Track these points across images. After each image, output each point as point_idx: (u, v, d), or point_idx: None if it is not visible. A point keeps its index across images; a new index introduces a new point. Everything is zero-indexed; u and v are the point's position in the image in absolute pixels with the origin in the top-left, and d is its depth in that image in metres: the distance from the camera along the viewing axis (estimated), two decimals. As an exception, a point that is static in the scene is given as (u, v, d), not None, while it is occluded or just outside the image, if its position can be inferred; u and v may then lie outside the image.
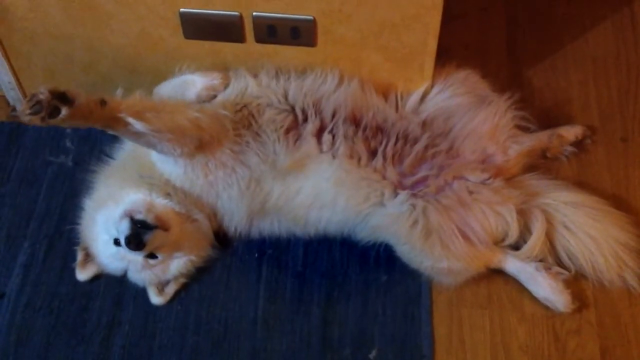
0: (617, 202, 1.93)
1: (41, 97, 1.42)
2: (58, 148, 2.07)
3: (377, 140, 1.79)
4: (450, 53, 1.91)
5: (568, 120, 2.07)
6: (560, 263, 1.85)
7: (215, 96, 1.82)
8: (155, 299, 1.83)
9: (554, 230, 1.84)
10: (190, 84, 1.80)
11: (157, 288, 1.83)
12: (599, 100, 2.15)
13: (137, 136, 1.61)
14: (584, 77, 2.20)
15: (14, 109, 2.07)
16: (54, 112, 1.43)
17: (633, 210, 1.93)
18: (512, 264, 1.83)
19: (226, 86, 1.83)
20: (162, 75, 1.84)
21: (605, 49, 2.25)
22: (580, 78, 2.19)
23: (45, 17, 1.84)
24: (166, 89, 1.81)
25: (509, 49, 2.25)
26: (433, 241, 1.75)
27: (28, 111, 1.42)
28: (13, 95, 2.08)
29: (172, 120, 1.63)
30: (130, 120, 1.54)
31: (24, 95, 2.06)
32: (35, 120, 1.43)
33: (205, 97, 1.81)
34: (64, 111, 1.43)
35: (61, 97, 1.43)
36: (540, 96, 2.15)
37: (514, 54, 2.24)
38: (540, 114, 2.01)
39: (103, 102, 1.51)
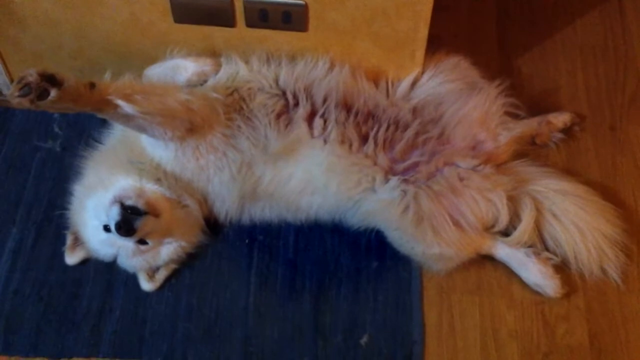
0: (605, 190, 1.95)
1: (30, 79, 1.40)
2: (46, 133, 2.05)
3: (368, 125, 1.79)
4: (440, 41, 1.91)
5: (557, 109, 2.08)
6: (547, 249, 1.86)
7: (205, 82, 1.81)
8: (146, 285, 1.82)
9: (542, 217, 1.85)
10: (182, 69, 1.79)
11: (148, 274, 1.82)
12: (587, 89, 2.17)
13: (127, 119, 1.59)
14: (573, 66, 2.21)
15: (1, 93, 2.08)
16: (43, 94, 1.41)
17: (620, 199, 1.96)
18: (502, 250, 1.84)
19: (217, 72, 1.82)
20: (152, 60, 1.83)
21: (594, 38, 2.27)
22: (569, 67, 2.21)
23: (34, 2, 1.82)
24: (156, 72, 1.81)
25: (499, 38, 2.26)
26: (424, 227, 1.75)
27: (17, 93, 1.41)
28: (0, 80, 2.06)
29: (162, 103, 1.63)
30: (120, 102, 1.53)
31: (11, 80, 2.03)
32: (25, 103, 1.41)
33: (195, 82, 1.80)
34: (53, 93, 1.42)
35: (50, 79, 1.42)
36: (530, 84, 2.17)
37: (504, 42, 2.25)
38: (529, 102, 2.02)
39: (92, 85, 1.50)
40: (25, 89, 1.40)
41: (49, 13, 1.84)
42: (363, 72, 1.86)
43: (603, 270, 1.83)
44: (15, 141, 2.04)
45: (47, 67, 1.44)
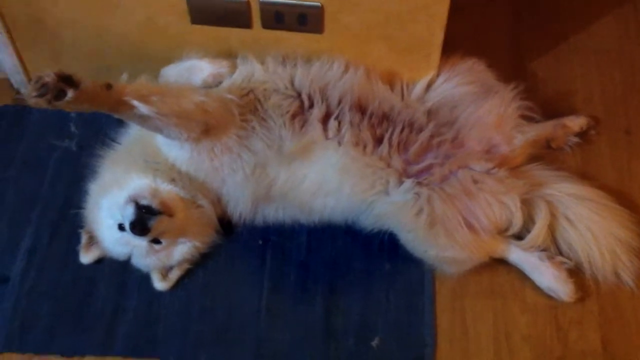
0: (619, 194, 1.93)
1: (47, 79, 1.42)
2: (62, 132, 2.06)
3: (382, 128, 1.79)
4: (455, 44, 1.90)
5: (571, 112, 2.07)
6: (561, 253, 1.85)
7: (221, 82, 1.82)
8: (159, 284, 1.83)
9: (556, 221, 1.84)
10: (198, 70, 1.80)
11: (161, 273, 1.83)
12: (602, 93, 2.16)
13: (143, 120, 1.60)
14: (588, 70, 2.20)
15: (18, 92, 2.10)
16: (60, 94, 1.43)
17: (635, 203, 1.94)
18: (516, 254, 1.83)
19: (232, 73, 1.83)
20: (169, 61, 1.83)
21: (609, 41, 2.26)
22: (584, 70, 2.20)
23: (52, 2, 1.83)
24: (172, 73, 1.81)
25: (514, 41, 2.25)
26: (437, 230, 1.75)
27: (34, 93, 1.42)
28: (18, 78, 2.07)
29: (177, 104, 1.63)
30: (136, 103, 1.54)
31: (29, 79, 2.05)
32: (42, 103, 1.43)
33: (211, 83, 1.81)
34: (70, 94, 1.43)
35: (67, 80, 1.43)
36: (544, 87, 2.16)
37: (518, 45, 2.24)
38: (544, 105, 2.01)
39: (109, 86, 1.52)
40: (43, 89, 1.42)
41: (66, 14, 1.86)
42: (378, 75, 1.86)
43: (617, 275, 1.82)
44: (32, 140, 2.06)
45: (64, 68, 1.45)
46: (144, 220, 1.68)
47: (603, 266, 1.81)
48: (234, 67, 1.82)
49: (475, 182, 1.78)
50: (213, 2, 1.76)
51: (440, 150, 1.81)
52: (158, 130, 1.66)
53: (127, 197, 1.72)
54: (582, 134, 2.02)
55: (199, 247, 1.83)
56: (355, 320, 1.81)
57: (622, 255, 1.81)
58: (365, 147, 1.77)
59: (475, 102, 1.87)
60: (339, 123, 1.77)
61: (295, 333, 1.80)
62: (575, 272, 1.83)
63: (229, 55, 1.85)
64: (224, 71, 1.81)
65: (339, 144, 1.76)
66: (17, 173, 2.01)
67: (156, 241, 1.75)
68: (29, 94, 1.43)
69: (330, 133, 1.76)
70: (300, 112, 1.77)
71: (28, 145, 2.05)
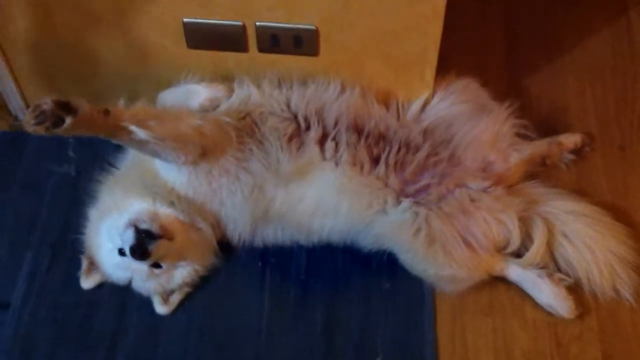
0: (615, 210, 1.94)
1: (45, 107, 1.43)
2: (61, 157, 2.06)
3: (379, 148, 1.80)
4: (449, 61, 1.91)
5: (566, 129, 2.08)
6: (559, 270, 1.85)
7: (218, 106, 1.83)
8: (160, 308, 1.83)
9: (553, 238, 1.85)
10: (194, 94, 1.81)
11: (162, 297, 1.83)
12: (596, 109, 2.17)
13: (140, 144, 1.61)
14: (582, 86, 2.22)
15: (16, 118, 2.11)
16: (58, 121, 1.44)
17: (631, 219, 1.95)
18: (514, 272, 1.84)
19: (229, 97, 1.84)
20: (166, 84, 1.85)
21: (602, 57, 2.27)
22: (578, 87, 2.21)
23: (48, 27, 1.84)
24: (170, 97, 1.83)
25: (507, 58, 2.27)
26: (436, 248, 1.76)
27: (32, 121, 1.43)
28: (15, 104, 2.08)
29: (175, 128, 1.65)
30: (134, 128, 1.56)
31: (26, 104, 2.06)
32: (40, 130, 1.44)
33: (208, 107, 1.82)
34: (68, 121, 1.44)
35: (65, 107, 1.44)
36: (538, 104, 2.17)
37: (512, 62, 2.26)
38: (538, 122, 2.02)
39: (106, 111, 1.52)
40: (41, 117, 1.43)
41: (63, 37, 1.87)
42: (374, 95, 1.87)
43: (616, 291, 1.82)
44: (30, 165, 2.06)
45: (61, 93, 1.46)
46: (144, 244, 1.69)
47: (602, 282, 1.82)
48: (230, 91, 1.84)
49: (472, 200, 1.79)
50: (209, 26, 1.78)
51: (436, 170, 1.82)
52: (156, 154, 1.67)
53: (127, 222, 1.72)
54: (577, 151, 2.03)
55: (198, 270, 1.83)
56: (355, 338, 1.81)
57: (620, 271, 1.82)
58: (362, 167, 1.78)
59: (471, 121, 1.88)
60: (336, 144, 1.78)
61: (295, 351, 1.80)
62: (574, 289, 1.83)
63: (226, 78, 1.86)
64: (220, 95, 1.82)
65: (336, 164, 1.77)
66: (16, 198, 2.01)
67: (156, 265, 1.76)
68: (27, 122, 1.44)
69: (327, 154, 1.77)
70: (297, 134, 1.78)
71: (26, 171, 2.06)
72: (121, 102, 1.60)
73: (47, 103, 1.43)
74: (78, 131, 1.48)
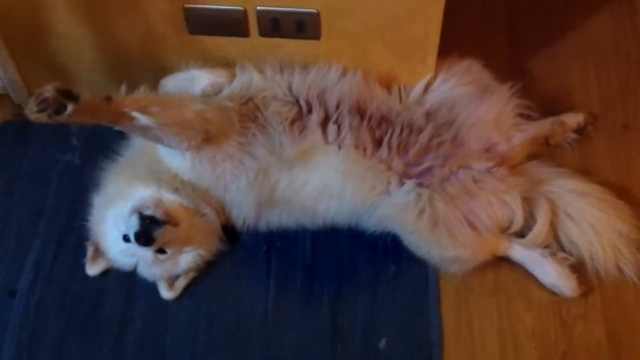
0: (619, 189, 1.94)
1: (47, 94, 1.43)
2: (65, 146, 2.07)
3: (381, 130, 1.81)
4: (451, 44, 1.91)
5: (569, 109, 2.07)
6: (563, 249, 1.86)
7: (220, 91, 1.84)
8: (166, 293, 1.84)
9: (557, 218, 1.85)
10: (197, 79, 1.82)
11: (167, 283, 1.84)
12: (599, 89, 2.17)
13: (143, 131, 1.62)
14: (585, 66, 2.21)
15: (20, 107, 2.11)
16: (60, 108, 1.44)
17: (634, 198, 1.94)
18: (518, 251, 1.84)
19: (231, 82, 1.85)
20: (168, 71, 1.86)
21: (606, 38, 2.26)
22: (581, 67, 2.21)
23: (51, 16, 1.85)
24: (172, 83, 1.83)
25: (510, 39, 2.26)
26: (440, 230, 1.76)
27: (35, 109, 1.44)
28: (18, 94, 2.09)
29: (177, 114, 1.65)
30: (136, 114, 1.56)
31: (30, 94, 2.07)
32: (42, 117, 1.44)
33: (210, 92, 1.83)
34: (70, 108, 1.44)
35: (67, 94, 1.44)
36: (542, 85, 2.16)
37: (515, 43, 2.25)
38: (542, 103, 2.02)
39: (108, 98, 1.53)
40: (43, 104, 1.43)
41: (66, 27, 1.87)
42: (375, 78, 1.87)
43: (619, 269, 1.83)
44: (35, 154, 2.07)
45: (63, 82, 1.47)
46: (148, 230, 1.70)
47: (605, 261, 1.82)
48: (232, 76, 1.84)
49: (475, 181, 1.80)
50: (210, 12, 1.78)
51: (440, 151, 1.82)
52: (159, 140, 1.68)
53: (131, 208, 1.73)
54: (580, 131, 2.03)
55: (203, 255, 1.84)
56: (362, 322, 1.82)
57: (623, 249, 1.82)
58: (365, 149, 1.78)
59: (473, 102, 1.88)
60: (338, 127, 1.79)
61: (302, 336, 1.81)
62: (578, 268, 1.83)
63: (228, 63, 1.86)
64: (222, 80, 1.83)
65: (339, 147, 1.78)
66: (22, 187, 2.03)
67: (161, 251, 1.77)
68: (29, 110, 1.44)
69: (330, 137, 1.78)
70: (299, 118, 1.79)
71: (31, 160, 2.07)
72: (123, 89, 1.60)
73: (49, 90, 1.43)
74: (80, 118, 1.49)
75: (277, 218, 1.86)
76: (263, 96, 1.80)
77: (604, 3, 2.33)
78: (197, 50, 1.87)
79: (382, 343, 1.80)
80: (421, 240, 1.80)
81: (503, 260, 1.87)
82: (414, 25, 1.77)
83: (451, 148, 1.83)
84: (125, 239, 1.76)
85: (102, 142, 2.01)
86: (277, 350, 1.80)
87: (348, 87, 1.82)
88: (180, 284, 1.85)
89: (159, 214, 1.72)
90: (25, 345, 1.81)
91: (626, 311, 1.82)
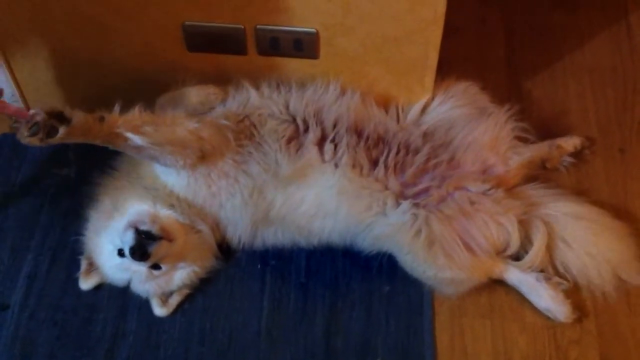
0: (615, 212, 1.94)
1: (38, 118, 1.43)
2: (61, 160, 2.07)
3: (378, 150, 1.81)
4: (449, 65, 1.93)
5: (566, 131, 2.09)
6: (557, 273, 1.85)
7: (212, 109, 1.83)
8: (159, 310, 1.83)
9: (552, 241, 1.84)
10: (186, 97, 1.82)
11: (161, 299, 1.83)
12: (596, 111, 2.17)
13: (138, 150, 1.62)
14: (582, 89, 2.22)
15: (16, 121, 2.10)
16: (52, 131, 1.44)
17: (631, 220, 1.94)
18: (513, 275, 1.84)
19: (223, 100, 1.84)
20: (166, 87, 1.85)
21: (602, 60, 2.28)
22: (578, 89, 2.22)
23: (50, 31, 1.85)
24: (166, 101, 1.83)
25: (508, 61, 2.28)
26: (436, 251, 1.76)
27: (26, 133, 1.44)
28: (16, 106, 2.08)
29: (172, 133, 1.65)
30: (129, 135, 1.56)
31: (28, 108, 2.06)
32: (34, 141, 1.45)
33: (201, 110, 1.82)
34: (62, 130, 1.45)
35: (58, 117, 1.45)
36: (539, 107, 2.17)
37: (513, 65, 2.27)
38: (539, 125, 2.03)
39: (101, 118, 1.53)
40: (34, 128, 1.43)
41: (64, 41, 1.88)
42: (373, 98, 1.88)
43: (613, 294, 1.82)
44: (31, 168, 2.07)
45: (62, 97, 1.47)
46: (143, 245, 1.69)
47: (600, 286, 1.81)
48: (224, 94, 1.84)
49: (472, 203, 1.79)
50: (209, 29, 1.78)
51: (436, 172, 1.82)
52: (154, 159, 1.68)
53: (127, 223, 1.73)
54: (577, 154, 2.04)
55: (198, 272, 1.84)
56: (356, 341, 1.81)
57: (618, 274, 1.82)
58: (362, 169, 1.78)
59: (471, 124, 1.89)
60: (335, 146, 1.79)
61: (295, 354, 1.80)
62: (572, 293, 1.83)
63: (226, 81, 1.86)
64: (213, 97, 1.83)
65: (336, 166, 1.78)
66: (17, 200, 2.03)
67: (156, 267, 1.76)
68: (21, 134, 1.45)
69: (327, 156, 1.78)
70: (295, 136, 1.79)
71: (27, 174, 2.07)
72: (116, 109, 1.60)
73: (39, 114, 1.43)
74: (73, 139, 1.49)
75: (273, 236, 1.86)
76: (259, 114, 1.80)
77: (601, 25, 2.35)
78: (196, 66, 1.87)
79: (377, 363, 1.79)
80: (417, 260, 1.80)
81: (498, 283, 1.86)
82: (412, 46, 1.78)
83: (448, 169, 1.83)
84: (120, 253, 1.75)
85: (98, 157, 2.00)
86: (270, 368, 1.79)
87: (346, 106, 1.83)
88: (174, 300, 1.85)
89: (154, 229, 1.72)
90: (16, 358, 1.79)
91: (620, 337, 1.81)
